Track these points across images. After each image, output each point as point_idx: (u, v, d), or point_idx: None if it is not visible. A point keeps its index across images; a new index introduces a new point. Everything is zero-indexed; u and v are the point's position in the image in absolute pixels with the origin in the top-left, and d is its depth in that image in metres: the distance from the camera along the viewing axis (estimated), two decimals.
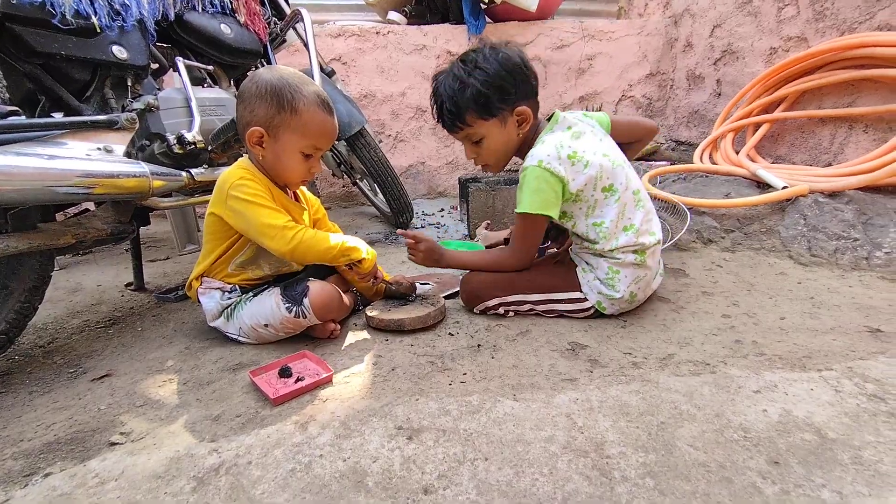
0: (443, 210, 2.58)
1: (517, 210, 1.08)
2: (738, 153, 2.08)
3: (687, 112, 2.85)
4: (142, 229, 2.51)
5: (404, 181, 2.83)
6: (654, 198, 1.70)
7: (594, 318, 1.13)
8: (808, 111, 1.98)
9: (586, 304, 1.11)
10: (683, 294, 1.26)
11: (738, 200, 1.60)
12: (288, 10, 1.82)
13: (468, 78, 1.03)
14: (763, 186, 1.75)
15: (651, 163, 2.53)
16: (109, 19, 1.13)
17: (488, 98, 1.03)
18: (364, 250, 1.10)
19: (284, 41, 2.03)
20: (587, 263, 1.12)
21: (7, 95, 0.98)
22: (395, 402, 0.80)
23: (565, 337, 1.05)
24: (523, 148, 1.13)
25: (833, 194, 1.52)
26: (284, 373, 0.90)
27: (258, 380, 0.88)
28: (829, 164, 1.90)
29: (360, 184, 2.40)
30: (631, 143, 1.24)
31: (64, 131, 1.03)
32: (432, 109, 1.13)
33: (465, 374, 0.90)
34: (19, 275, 1.00)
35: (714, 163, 2.14)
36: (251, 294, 1.08)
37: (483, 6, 2.70)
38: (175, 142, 1.20)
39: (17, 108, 0.96)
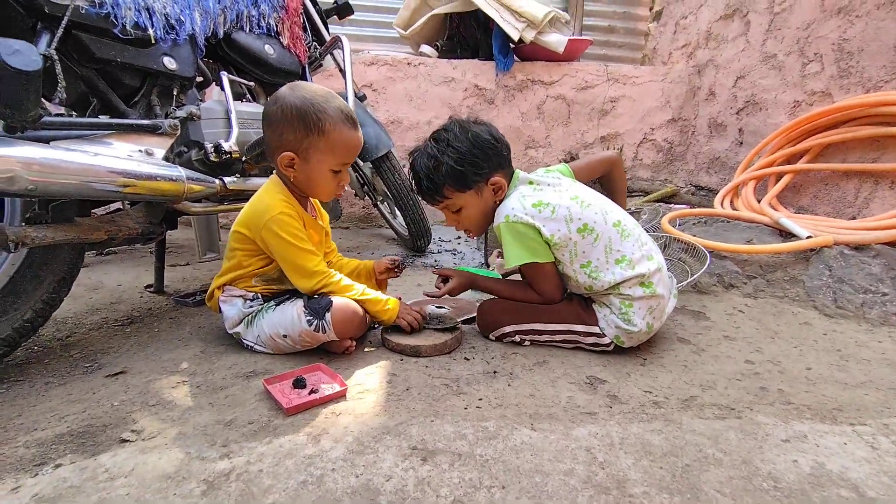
0: (459, 237, 2.59)
1: (511, 266, 1.10)
2: (759, 201, 2.08)
3: (708, 158, 2.87)
4: (168, 233, 2.58)
5: (423, 206, 2.87)
6: (673, 240, 1.69)
7: (612, 353, 1.11)
8: (833, 164, 1.98)
9: (605, 340, 1.09)
10: (704, 337, 1.24)
11: (762, 247, 1.58)
12: (327, 37, 1.91)
13: (441, 156, 1.09)
14: (786, 235, 1.74)
15: (671, 205, 2.54)
16: (164, 32, 1.19)
17: (463, 173, 1.09)
18: (385, 303, 1.11)
19: (321, 65, 2.12)
20: (601, 301, 1.11)
21: (65, 96, 1.03)
22: (409, 422, 0.79)
23: (583, 370, 1.03)
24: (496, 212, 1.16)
25: (859, 247, 1.50)
26: (298, 383, 0.89)
27: (272, 388, 0.87)
28: (854, 218, 1.89)
29: (381, 206, 2.44)
30: (603, 181, 1.29)
31: (110, 132, 1.08)
32: (411, 182, 1.18)
33: (480, 399, 0.89)
34: (51, 266, 1.02)
35: (735, 209, 2.13)
36: (273, 303, 1.09)
37: (512, 45, 2.81)
38: (212, 150, 1.24)
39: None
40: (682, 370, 1.04)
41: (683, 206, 2.54)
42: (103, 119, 1.08)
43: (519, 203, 1.06)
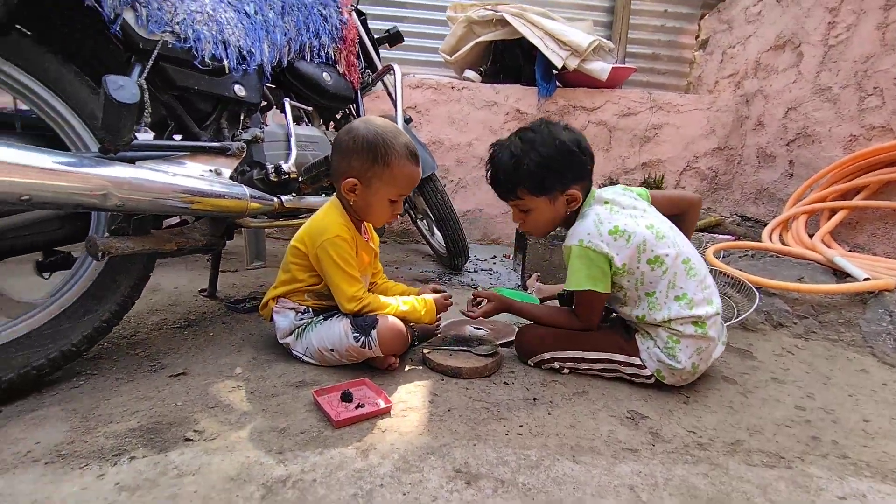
0: (495, 257, 2.62)
1: (567, 288, 1.10)
2: (811, 237, 2.00)
3: (755, 189, 2.79)
4: None
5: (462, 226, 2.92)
6: (718, 273, 1.65)
7: (654, 387, 1.10)
8: (894, 202, 1.89)
9: (646, 372, 1.08)
10: (751, 377, 1.20)
11: (815, 286, 1.53)
12: (378, 64, 2.01)
13: (523, 157, 1.08)
14: (839, 275, 1.66)
15: (715, 235, 2.47)
16: (237, 63, 1.30)
17: (542, 179, 1.09)
18: (421, 308, 1.16)
19: (371, 89, 2.22)
20: (646, 331, 1.11)
21: (150, 120, 1.13)
22: (452, 444, 0.81)
23: (624, 404, 1.02)
24: (567, 220, 1.16)
25: None
26: (346, 397, 0.93)
27: (321, 400, 0.92)
28: None
29: (419, 223, 2.50)
30: (677, 216, 1.25)
31: (185, 153, 1.18)
32: (487, 173, 1.18)
33: (521, 426, 0.90)
34: (127, 272, 1.11)
35: (784, 243, 2.06)
36: (322, 317, 1.14)
37: (555, 71, 2.85)
38: (273, 171, 1.32)
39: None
40: (728, 412, 1.02)
41: (728, 236, 2.48)
42: (181, 142, 1.19)
43: (595, 228, 1.05)
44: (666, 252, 1.04)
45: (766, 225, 2.29)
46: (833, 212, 2.07)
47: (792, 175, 2.53)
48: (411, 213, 2.36)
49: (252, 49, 1.36)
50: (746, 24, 2.96)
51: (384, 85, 2.13)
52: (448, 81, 2.92)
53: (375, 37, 2.14)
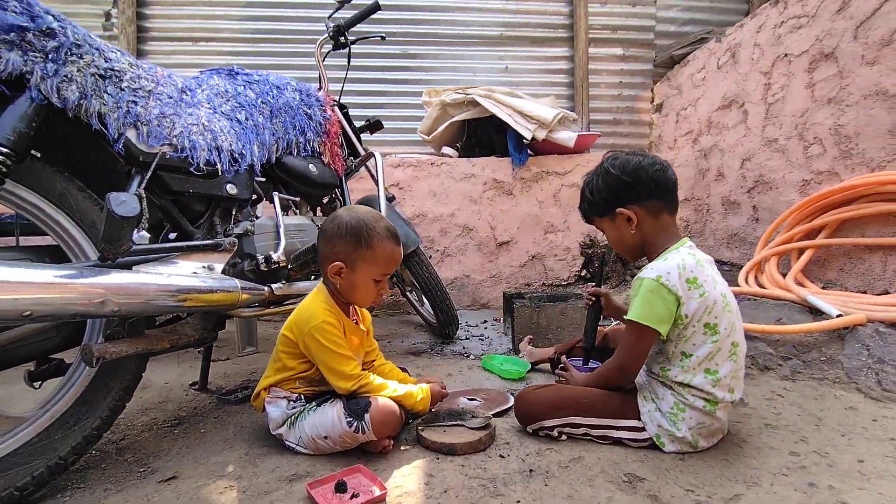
0: (486, 322, 2.64)
1: (627, 317, 1.10)
2: (784, 276, 2.08)
3: (726, 234, 2.92)
4: None
5: (449, 292, 2.97)
6: None
7: (650, 447, 1.10)
8: (854, 238, 2.01)
9: (643, 435, 1.08)
10: (745, 426, 1.21)
11: (793, 327, 1.57)
12: (361, 150, 2.17)
13: (586, 191, 1.22)
14: (815, 312, 1.72)
15: None
16: (229, 165, 1.41)
17: (595, 204, 1.20)
18: (417, 395, 1.18)
19: (355, 173, 2.37)
20: (653, 392, 1.12)
21: (147, 226, 1.21)
22: None
23: (621, 467, 1.02)
24: (649, 251, 1.18)
25: (894, 325, 1.48)
26: (340, 488, 0.92)
27: (315, 493, 0.91)
28: (886, 292, 1.86)
29: (409, 295, 2.55)
30: None
31: (179, 252, 1.25)
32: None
33: (518, 501, 0.89)
34: (119, 375, 1.13)
35: (760, 285, 2.14)
36: (314, 404, 1.15)
37: (525, 142, 3.07)
38: (263, 261, 1.39)
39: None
40: (724, 464, 1.02)
41: None
42: (175, 243, 1.26)
43: (677, 270, 1.05)
44: (724, 326, 1.06)
45: (741, 268, 2.38)
46: (801, 251, 2.18)
47: (758, 219, 2.67)
48: (400, 286, 2.41)
49: (243, 151, 1.48)
50: (694, 89, 3.27)
51: (367, 168, 2.28)
52: (427, 158, 3.12)
53: (357, 125, 2.33)
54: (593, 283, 1.49)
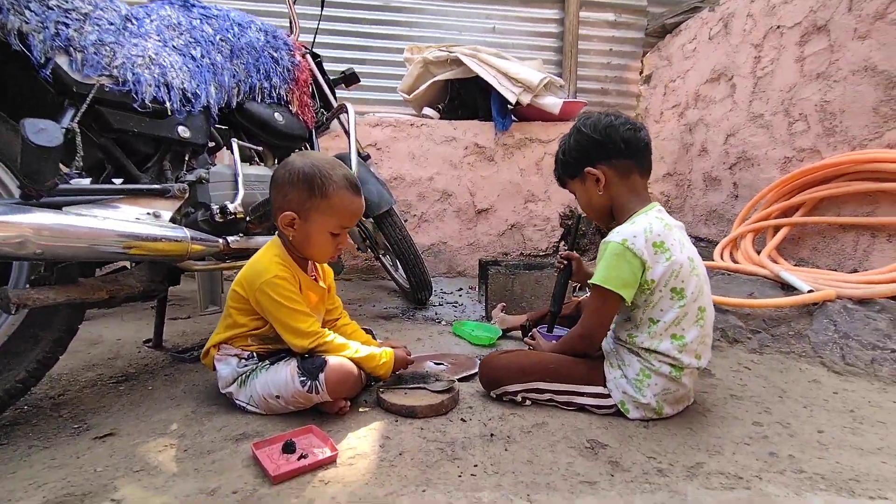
0: (461, 289, 2.60)
1: (590, 281, 1.06)
2: (758, 253, 2.08)
3: (705, 210, 2.92)
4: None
5: (426, 259, 2.90)
6: None
7: (615, 415, 1.07)
8: (828, 217, 2.00)
9: (609, 402, 1.06)
10: (710, 396, 1.20)
11: (764, 301, 1.57)
12: (335, 103, 2.03)
13: (565, 141, 1.16)
14: (787, 288, 1.73)
15: None
16: (181, 105, 1.28)
17: (565, 164, 1.16)
18: (379, 358, 1.11)
19: (328, 128, 2.24)
20: (619, 358, 1.09)
21: (82, 164, 1.09)
22: (399, 492, 0.76)
23: (584, 433, 0.99)
24: (618, 213, 1.13)
25: (863, 301, 1.48)
26: (288, 448, 0.87)
27: (260, 453, 0.85)
28: (855, 270, 1.88)
29: (383, 259, 2.47)
30: None
31: (121, 196, 1.13)
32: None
33: (475, 465, 0.85)
34: (50, 326, 1.03)
35: (735, 261, 2.14)
36: (267, 362, 1.08)
37: (510, 108, 2.96)
38: (218, 211, 1.29)
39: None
40: (688, 433, 1.00)
41: None
42: (115, 185, 1.14)
43: (643, 233, 1.01)
44: (691, 290, 1.02)
45: (717, 244, 2.38)
46: (777, 229, 2.17)
47: (737, 196, 2.66)
48: (374, 249, 2.33)
49: (197, 91, 1.35)
50: (684, 60, 3.19)
51: (339, 122, 2.15)
52: (407, 119, 2.99)
53: (332, 78, 2.18)
54: (566, 245, 1.43)
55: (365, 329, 1.35)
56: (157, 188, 1.19)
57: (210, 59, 1.41)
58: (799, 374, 1.33)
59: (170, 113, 1.26)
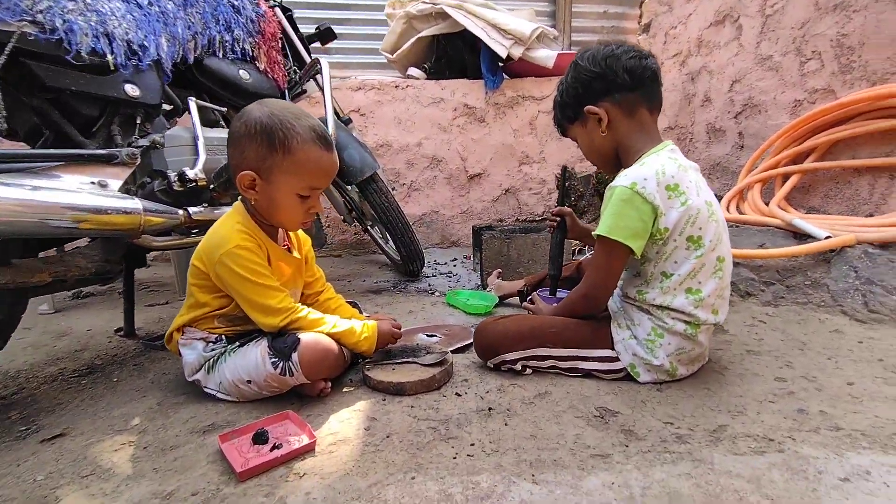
0: (455, 259, 2.48)
1: (595, 232, 0.95)
2: (767, 204, 1.97)
3: (708, 165, 2.77)
4: (145, 272, 2.47)
5: (417, 230, 2.78)
6: None
7: (624, 379, 0.98)
8: (843, 161, 1.87)
9: (617, 365, 0.96)
10: (725, 353, 1.11)
11: (778, 251, 1.46)
12: (308, 61, 1.86)
13: (563, 80, 1.04)
14: (800, 237, 1.61)
15: None
16: (125, 58, 1.13)
17: (563, 106, 1.04)
18: (361, 332, 1.00)
19: (305, 91, 2.07)
20: (628, 318, 0.98)
21: (5, 126, 0.95)
22: (385, 481, 0.66)
23: (592, 401, 0.90)
24: (624, 156, 1.00)
25: (885, 245, 1.37)
26: (259, 438, 0.77)
27: (227, 447, 0.75)
28: (871, 215, 1.77)
29: (372, 231, 2.34)
30: None
31: (60, 164, 1.00)
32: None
33: (472, 444, 0.76)
34: None
35: (742, 213, 2.02)
36: (237, 344, 0.97)
37: (501, 63, 2.77)
38: (176, 179, 1.15)
39: None
40: (706, 394, 0.91)
41: None
42: (51, 151, 1.00)
43: (655, 175, 0.89)
44: (709, 238, 0.91)
45: (722, 199, 2.25)
46: (786, 177, 2.05)
47: (742, 147, 2.52)
48: (361, 220, 2.20)
49: (145, 43, 1.19)
50: (686, 3, 2.97)
51: (318, 85, 1.98)
52: (392, 81, 2.80)
53: (306, 34, 2.00)
54: (557, 204, 1.30)
55: (350, 303, 1.24)
56: (103, 154, 1.05)
57: (159, 6, 1.24)
58: (819, 324, 1.23)
59: (113, 68, 1.10)
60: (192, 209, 1.18)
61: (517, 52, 2.61)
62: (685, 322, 0.92)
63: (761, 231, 1.74)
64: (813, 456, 0.68)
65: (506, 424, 0.82)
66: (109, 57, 1.10)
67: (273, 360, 0.88)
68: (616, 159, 1.03)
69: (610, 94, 0.97)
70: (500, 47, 2.60)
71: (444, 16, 2.71)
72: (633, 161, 0.97)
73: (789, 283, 1.43)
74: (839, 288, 1.32)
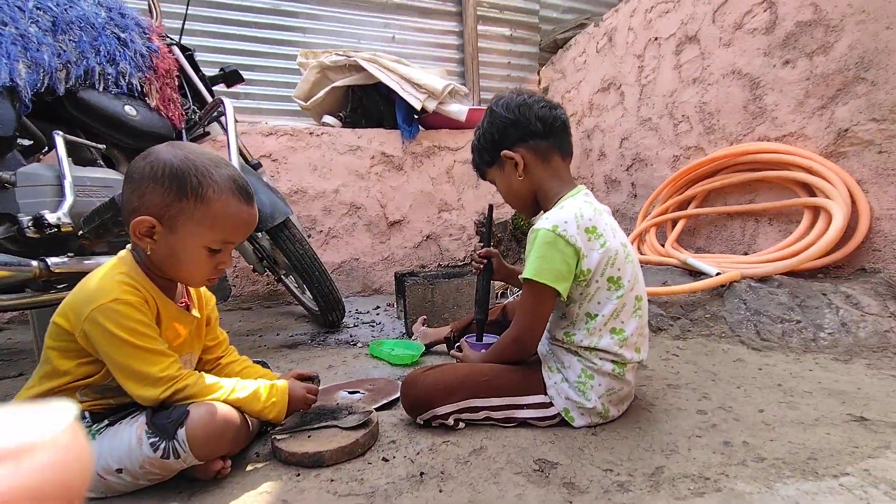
0: (378, 308, 2.37)
1: (522, 276, 0.93)
2: (663, 245, 2.18)
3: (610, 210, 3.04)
4: None
5: (337, 278, 2.64)
6: None
7: (559, 426, 0.94)
8: (717, 207, 2.16)
9: (551, 411, 0.92)
10: (648, 388, 1.13)
11: (678, 287, 1.59)
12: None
13: (480, 127, 1.06)
14: (695, 274, 1.79)
15: None
16: None
17: (481, 150, 1.06)
18: (267, 396, 0.85)
19: (207, 133, 1.91)
20: (558, 361, 0.96)
21: None
22: None
23: (529, 452, 0.84)
24: (543, 199, 1.03)
25: (763, 279, 1.56)
26: None
27: None
28: (746, 253, 2.02)
29: (286, 280, 2.16)
30: None
31: None
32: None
33: None
34: None
35: (643, 254, 2.21)
36: (106, 423, 0.77)
37: (416, 116, 2.86)
38: (30, 223, 0.95)
39: None
40: (638, 434, 0.90)
41: None
42: None
43: (574, 219, 0.91)
44: (627, 278, 0.93)
45: None
46: (675, 222, 2.30)
47: (636, 195, 2.81)
48: (273, 269, 2.02)
49: None
50: (576, 72, 3.36)
51: (222, 126, 1.85)
52: (305, 127, 2.73)
53: (210, 76, 1.88)
54: (482, 245, 1.30)
55: (258, 362, 1.08)
56: None
57: (17, 27, 1.07)
58: (723, 354, 1.33)
59: None
60: (51, 259, 0.97)
61: (431, 106, 2.72)
62: (612, 362, 0.92)
63: (661, 270, 1.90)
64: (747, 492, 0.68)
65: (440, 491, 0.72)
66: None
67: (153, 440, 0.71)
68: (534, 202, 1.05)
69: (524, 140, 1.00)
70: (415, 100, 2.69)
71: (358, 68, 2.76)
72: (551, 205, 1.00)
73: (692, 316, 1.54)
74: (734, 319, 1.45)
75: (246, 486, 0.77)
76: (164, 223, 0.78)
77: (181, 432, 0.71)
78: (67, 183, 1.05)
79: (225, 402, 0.79)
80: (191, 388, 0.77)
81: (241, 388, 0.82)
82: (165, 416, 0.73)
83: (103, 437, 0.74)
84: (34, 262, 0.94)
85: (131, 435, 0.72)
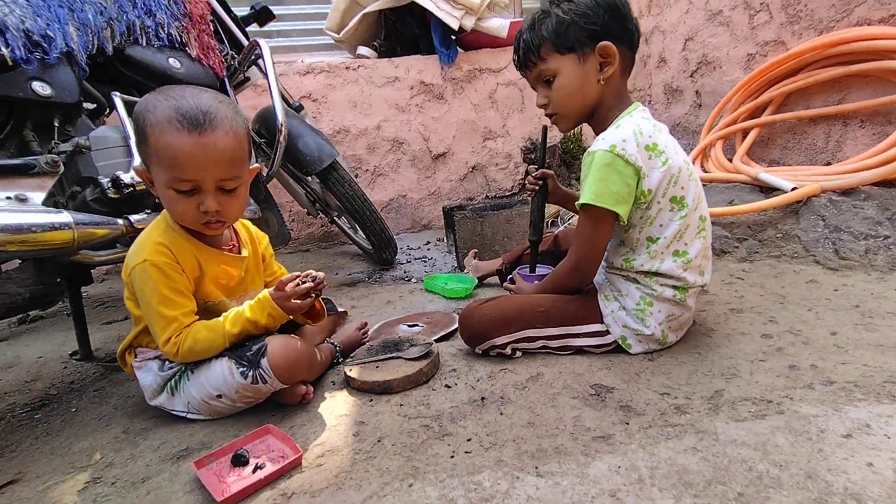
0: (428, 243, 2.42)
1: (578, 202, 0.90)
2: (730, 160, 1.99)
3: (669, 125, 2.78)
4: (99, 287, 2.29)
5: (386, 216, 2.69)
6: None
7: (614, 352, 0.96)
8: (798, 112, 1.91)
9: (608, 339, 0.94)
10: (709, 313, 1.11)
11: (747, 206, 1.48)
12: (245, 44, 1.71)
13: (554, 8, 0.90)
14: (766, 191, 1.64)
15: None
16: (26, 51, 0.98)
17: (569, 27, 0.88)
18: (253, 312, 0.85)
19: (248, 79, 1.91)
20: (615, 289, 0.95)
21: None
22: (381, 492, 0.61)
23: (585, 378, 0.87)
24: (600, 114, 0.95)
25: (847, 192, 1.41)
26: (239, 460, 0.70)
27: (204, 473, 0.68)
28: (829, 163, 1.82)
29: (339, 221, 2.24)
30: None
31: None
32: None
33: (469, 440, 0.72)
34: None
35: (707, 171, 2.04)
36: None
37: (453, 36, 2.67)
38: (109, 185, 1.03)
39: None
40: (697, 358, 0.90)
41: None
42: None
43: (633, 136, 0.85)
44: (692, 198, 0.88)
45: None
46: (745, 132, 2.08)
47: (701, 105, 2.54)
48: (326, 212, 2.10)
49: (49, 33, 1.04)
50: None
51: (260, 70, 1.83)
52: (342, 62, 2.65)
53: (241, 16, 1.84)
54: (535, 166, 1.23)
55: (324, 299, 1.15)
56: (17, 164, 0.92)
57: None
58: (794, 276, 1.25)
59: (10, 63, 0.96)
60: (133, 217, 1.06)
61: (469, 23, 2.52)
62: (674, 287, 0.90)
63: (728, 188, 1.76)
64: (813, 414, 0.67)
65: (501, 414, 0.78)
66: (4, 51, 0.96)
67: (242, 369, 0.81)
68: (588, 115, 0.97)
69: (621, 42, 0.90)
70: (451, 18, 2.49)
71: None
72: (606, 125, 0.93)
73: (761, 237, 1.45)
74: (810, 238, 1.34)
75: (327, 409, 0.87)
76: (150, 170, 0.81)
77: (264, 361, 0.80)
78: (132, 142, 1.12)
79: (227, 335, 0.84)
80: (184, 345, 0.81)
81: (232, 322, 0.85)
82: (247, 349, 0.82)
83: (198, 372, 0.85)
84: (120, 220, 1.03)
85: (223, 368, 0.83)
